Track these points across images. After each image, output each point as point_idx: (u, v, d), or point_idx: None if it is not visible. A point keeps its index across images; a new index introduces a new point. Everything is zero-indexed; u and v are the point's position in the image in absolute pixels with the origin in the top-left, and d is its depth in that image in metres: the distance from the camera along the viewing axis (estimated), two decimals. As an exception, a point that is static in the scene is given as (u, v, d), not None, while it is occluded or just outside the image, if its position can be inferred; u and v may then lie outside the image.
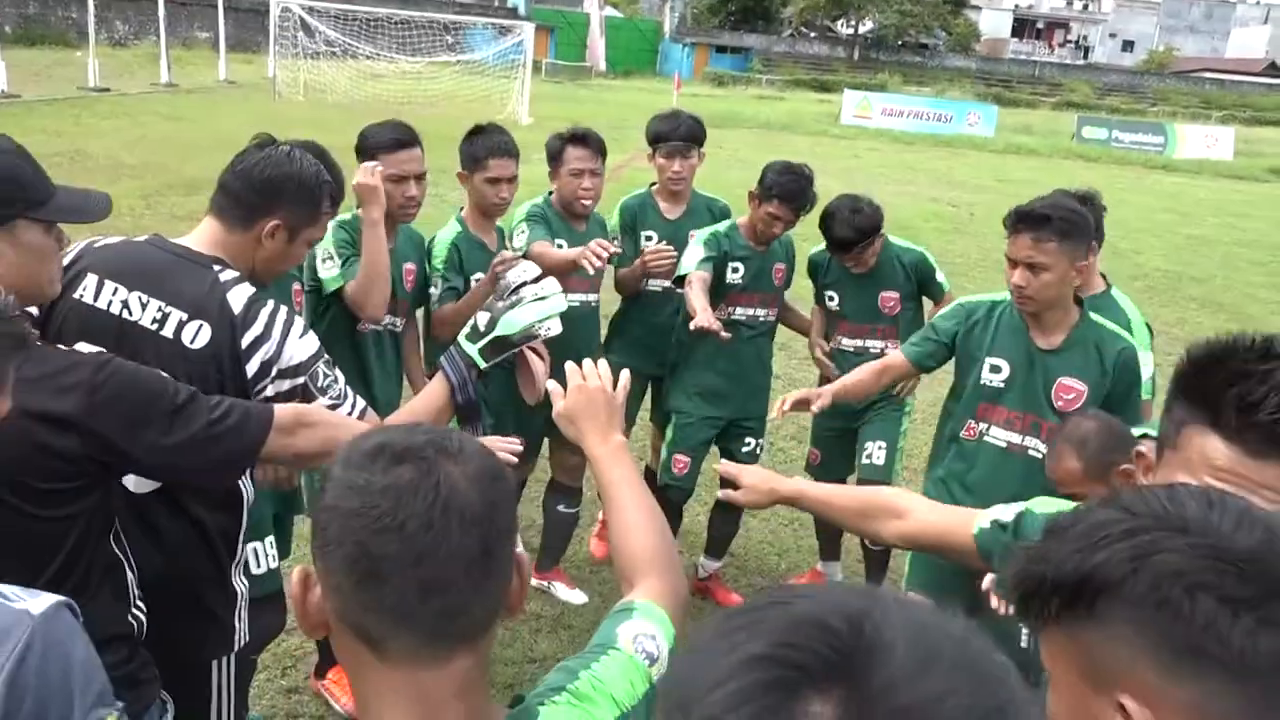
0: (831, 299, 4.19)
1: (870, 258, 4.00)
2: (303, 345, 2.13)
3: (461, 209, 3.70)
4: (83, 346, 1.94)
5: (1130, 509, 0.94)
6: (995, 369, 3.12)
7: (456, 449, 1.03)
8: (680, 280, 3.86)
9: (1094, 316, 3.09)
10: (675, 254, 3.87)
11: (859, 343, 4.16)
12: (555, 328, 2.17)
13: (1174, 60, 64.79)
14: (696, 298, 3.62)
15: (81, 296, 2.07)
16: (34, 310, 2.06)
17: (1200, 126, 31.48)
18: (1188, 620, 0.87)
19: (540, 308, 2.15)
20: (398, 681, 1.01)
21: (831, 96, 36.77)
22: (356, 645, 1.01)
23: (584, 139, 3.87)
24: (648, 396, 4.58)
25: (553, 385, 1.73)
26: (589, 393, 1.61)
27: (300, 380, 2.13)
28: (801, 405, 3.30)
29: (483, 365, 2.13)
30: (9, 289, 1.67)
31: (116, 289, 2.06)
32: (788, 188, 3.84)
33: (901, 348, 3.42)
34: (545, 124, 22.56)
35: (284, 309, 2.14)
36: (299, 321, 2.15)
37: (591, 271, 3.51)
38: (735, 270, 4.01)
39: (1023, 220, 2.92)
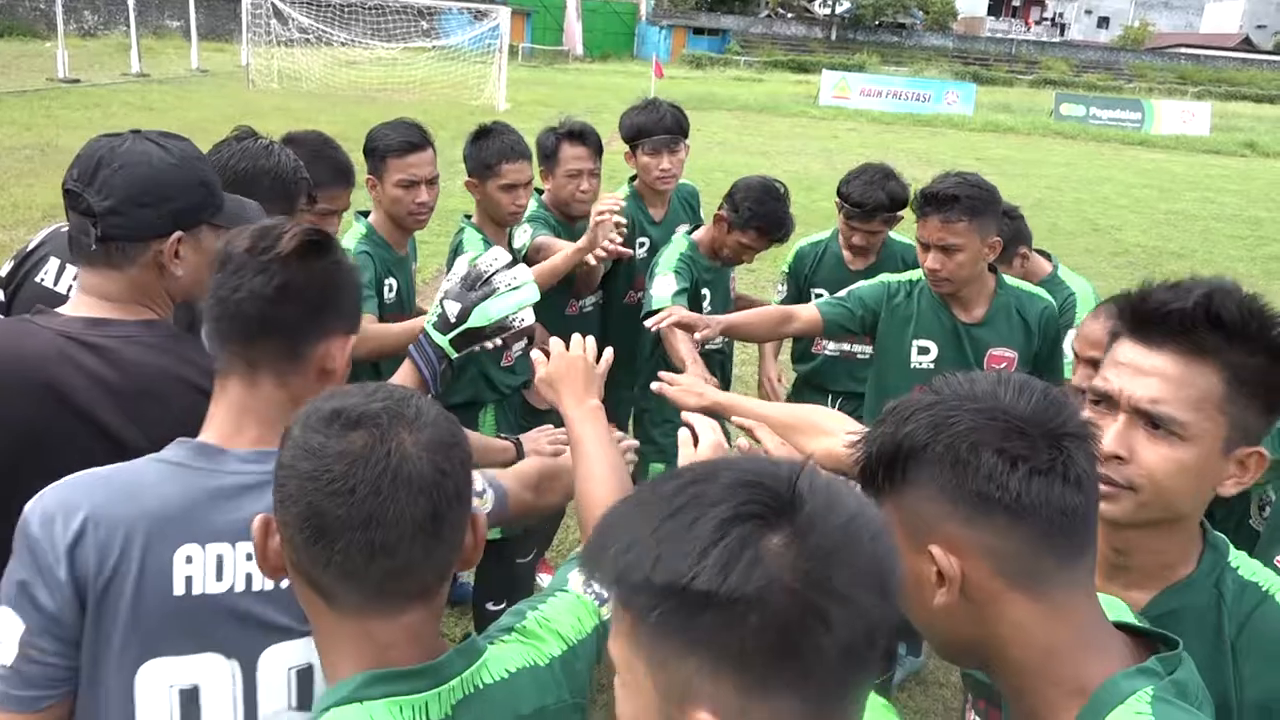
0: (819, 298, 3.56)
1: (877, 246, 3.63)
2: None
3: (468, 215, 3.44)
4: None
5: (935, 389, 1.12)
6: (923, 350, 3.03)
7: (413, 416, 1.08)
8: (651, 315, 3.26)
9: (1009, 280, 3.06)
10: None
11: (845, 346, 3.81)
12: (528, 318, 2.13)
13: (1149, 36, 64.98)
14: (682, 343, 3.07)
15: (43, 280, 2.04)
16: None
17: (1177, 102, 31.56)
18: (975, 472, 1.04)
19: (515, 298, 2.09)
20: (349, 628, 1.08)
21: (810, 77, 36.69)
22: (310, 593, 1.10)
23: (581, 136, 3.53)
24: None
25: (535, 354, 1.82)
26: (569, 359, 1.73)
27: None
28: (684, 328, 2.95)
29: (454, 356, 2.09)
30: (182, 293, 1.75)
31: (78, 274, 2.01)
32: (770, 217, 3.40)
33: (817, 303, 3.16)
34: (523, 110, 22.48)
35: None
36: None
37: (594, 261, 3.22)
38: (705, 298, 3.60)
39: (930, 202, 2.82)
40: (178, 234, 1.71)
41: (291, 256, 1.40)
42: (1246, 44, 63.35)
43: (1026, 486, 1.03)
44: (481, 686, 1.13)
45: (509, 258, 2.17)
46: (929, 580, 1.06)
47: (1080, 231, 12.75)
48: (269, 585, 1.36)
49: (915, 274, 3.08)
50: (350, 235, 3.11)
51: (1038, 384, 1.11)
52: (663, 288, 3.40)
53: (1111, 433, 1.28)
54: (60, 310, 1.71)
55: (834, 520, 0.81)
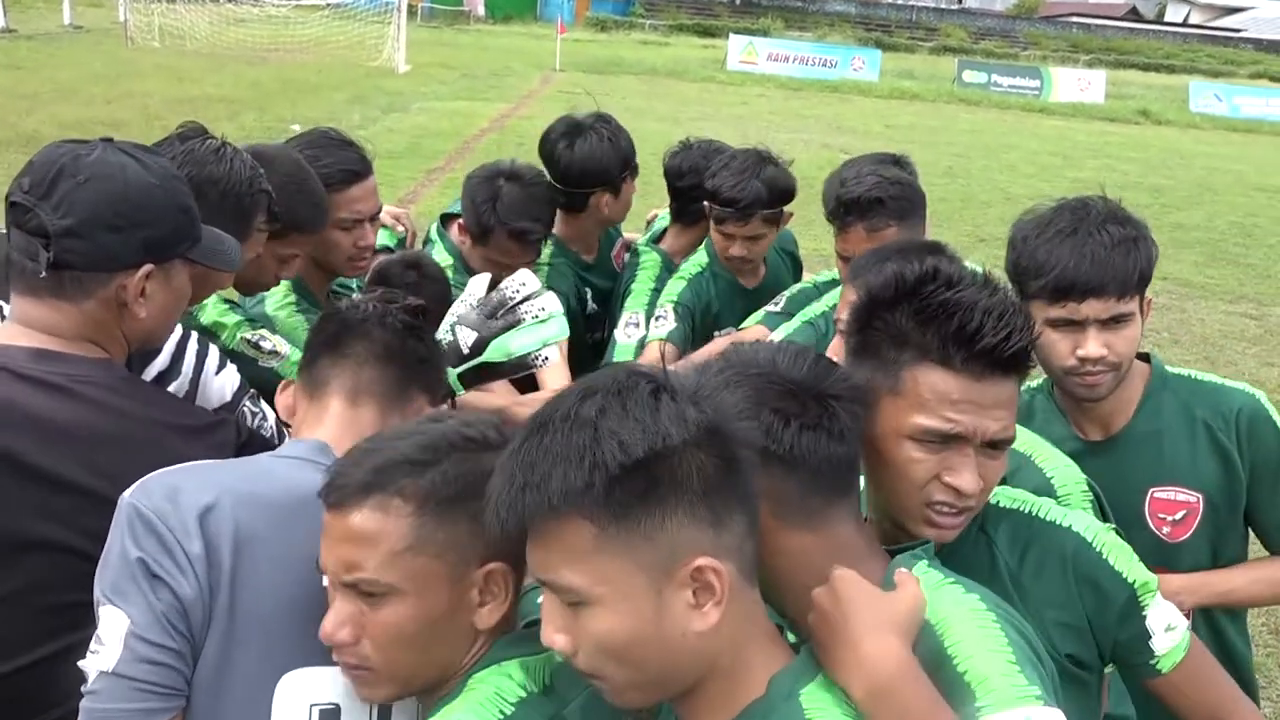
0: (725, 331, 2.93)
1: (760, 255, 2.85)
2: (221, 384, 1.73)
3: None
4: None
5: (725, 357, 1.29)
6: None
7: None
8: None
9: None
10: None
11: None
12: (553, 356, 1.85)
13: (1042, 4, 66.45)
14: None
15: None
16: None
17: (1073, 70, 32.22)
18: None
19: (541, 333, 1.85)
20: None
21: (716, 41, 36.38)
22: None
23: (526, 240, 2.63)
24: None
25: None
26: None
27: None
28: None
29: (460, 394, 1.83)
30: (142, 337, 1.53)
31: (12, 301, 1.61)
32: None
33: None
34: (424, 71, 21.71)
35: (194, 337, 1.73)
36: (214, 353, 1.75)
37: None
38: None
39: (852, 210, 2.37)
40: (148, 267, 1.46)
41: (419, 310, 1.51)
42: (1133, 14, 65.33)
43: (798, 440, 1.19)
44: None
45: (537, 284, 1.90)
46: None
47: (993, 201, 12.76)
48: None
49: (831, 299, 2.60)
50: (271, 295, 2.33)
51: (811, 352, 1.30)
52: (661, 329, 2.70)
53: (969, 469, 1.31)
54: None
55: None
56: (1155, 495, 1.89)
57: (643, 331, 2.75)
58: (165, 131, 2.02)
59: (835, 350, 1.86)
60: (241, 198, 1.83)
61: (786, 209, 2.76)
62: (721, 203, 2.70)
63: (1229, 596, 1.91)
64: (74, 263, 1.41)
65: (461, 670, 1.19)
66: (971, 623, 1.16)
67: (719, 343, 2.57)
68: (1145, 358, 1.95)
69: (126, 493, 1.22)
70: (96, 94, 14.19)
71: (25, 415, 1.36)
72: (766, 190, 2.65)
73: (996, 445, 1.33)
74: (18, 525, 1.33)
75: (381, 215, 2.76)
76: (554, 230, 2.85)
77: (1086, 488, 1.69)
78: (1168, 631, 1.42)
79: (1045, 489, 1.65)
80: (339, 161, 2.33)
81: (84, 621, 1.24)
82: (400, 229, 2.88)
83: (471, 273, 2.66)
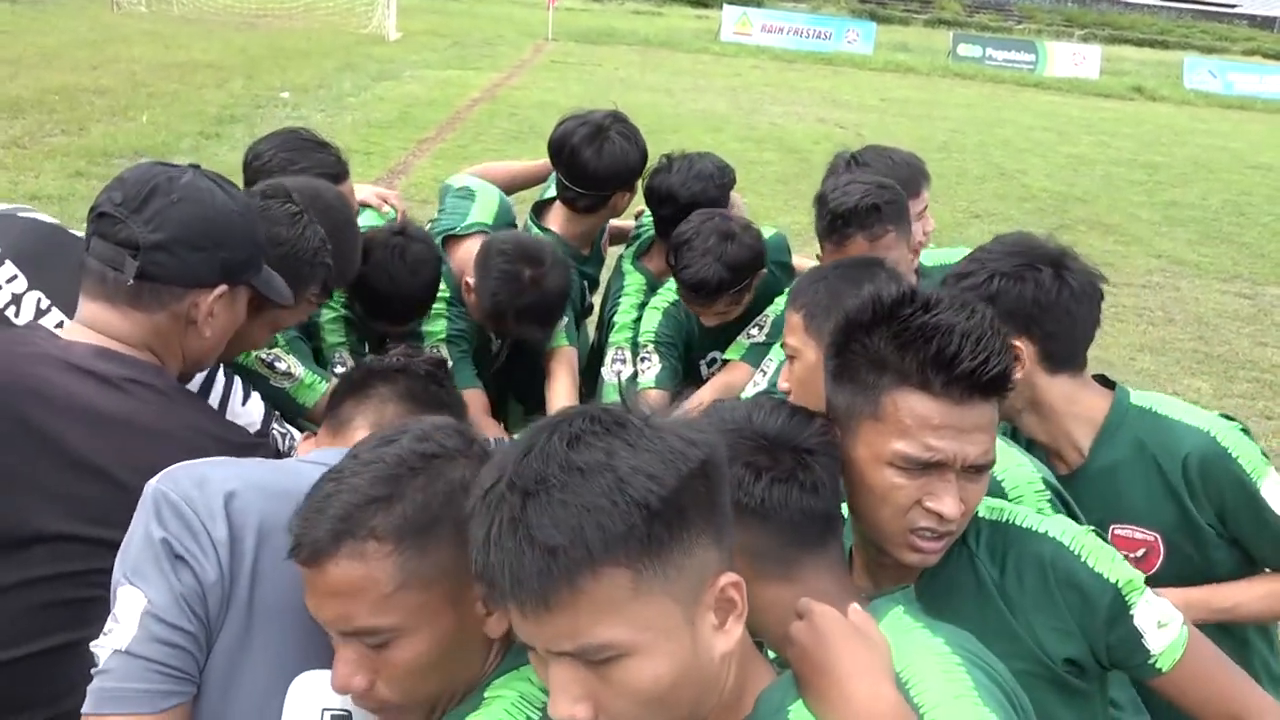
0: (713, 363, 2.84)
1: (737, 312, 2.70)
2: (249, 412, 1.79)
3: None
4: None
5: (706, 413, 1.30)
6: None
7: None
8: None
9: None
10: None
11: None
12: None
13: (1038, -22, 66.04)
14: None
15: None
16: None
17: (1068, 44, 32.05)
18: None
19: None
20: None
21: (709, 12, 36.10)
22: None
23: (536, 329, 2.61)
24: None
25: None
26: None
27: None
28: None
29: None
30: (199, 355, 1.61)
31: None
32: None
33: None
34: (414, 39, 21.46)
35: (222, 369, 1.79)
36: (239, 384, 1.80)
37: None
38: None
39: (851, 221, 2.31)
40: (223, 288, 1.57)
41: (440, 362, 1.59)
42: (1129, -12, 65.04)
43: (769, 493, 1.22)
44: None
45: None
46: None
47: (988, 176, 12.69)
48: None
49: None
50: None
51: (788, 405, 1.33)
52: (650, 372, 2.65)
53: (950, 494, 1.31)
54: (59, 332, 1.54)
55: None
56: (1116, 532, 1.84)
57: (630, 369, 2.72)
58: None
59: (786, 376, 1.87)
60: (301, 265, 1.86)
61: (761, 271, 2.64)
62: (683, 285, 2.60)
63: (1232, 613, 1.83)
64: (158, 275, 1.49)
65: (481, 679, 1.18)
66: (936, 668, 1.13)
67: (706, 392, 2.57)
68: (1111, 385, 1.87)
69: (152, 480, 1.22)
70: (81, 59, 13.96)
71: (82, 407, 1.41)
72: (729, 273, 2.53)
73: (978, 469, 1.32)
74: (31, 516, 1.35)
75: (368, 195, 2.72)
76: (559, 229, 2.84)
77: (1042, 487, 1.64)
78: (1161, 628, 1.38)
79: (995, 491, 1.59)
80: (315, 165, 2.30)
81: (87, 619, 1.24)
82: (387, 209, 2.81)
83: (464, 309, 2.66)
